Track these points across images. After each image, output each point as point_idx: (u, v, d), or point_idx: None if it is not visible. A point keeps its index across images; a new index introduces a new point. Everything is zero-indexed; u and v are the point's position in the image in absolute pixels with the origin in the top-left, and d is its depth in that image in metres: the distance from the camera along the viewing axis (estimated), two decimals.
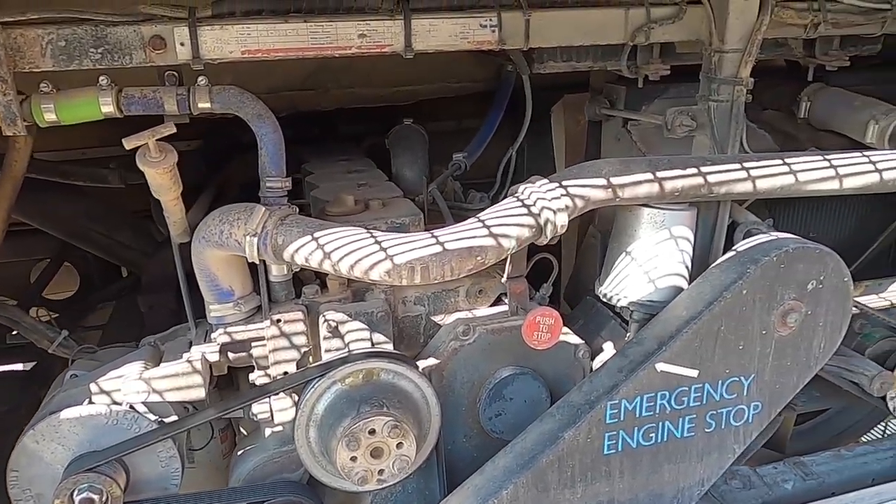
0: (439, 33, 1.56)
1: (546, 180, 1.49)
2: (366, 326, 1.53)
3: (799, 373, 1.60)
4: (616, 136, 2.15)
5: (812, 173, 1.59)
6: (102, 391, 1.48)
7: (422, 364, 1.55)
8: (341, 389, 1.44)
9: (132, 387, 1.47)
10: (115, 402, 1.47)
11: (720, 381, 1.54)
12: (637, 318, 1.65)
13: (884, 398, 1.82)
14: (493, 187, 2.04)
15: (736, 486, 1.80)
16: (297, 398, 1.49)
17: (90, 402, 1.46)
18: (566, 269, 2.39)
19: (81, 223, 2.45)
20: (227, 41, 1.44)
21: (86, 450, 1.45)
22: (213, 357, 1.52)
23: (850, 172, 1.61)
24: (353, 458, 1.39)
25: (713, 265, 1.59)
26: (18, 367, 2.70)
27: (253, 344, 1.55)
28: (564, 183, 1.47)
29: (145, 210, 2.32)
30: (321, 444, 1.44)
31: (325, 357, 1.52)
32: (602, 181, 1.48)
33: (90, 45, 1.37)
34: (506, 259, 1.50)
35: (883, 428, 2.81)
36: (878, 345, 1.86)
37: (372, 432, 1.37)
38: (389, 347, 1.55)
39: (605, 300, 1.72)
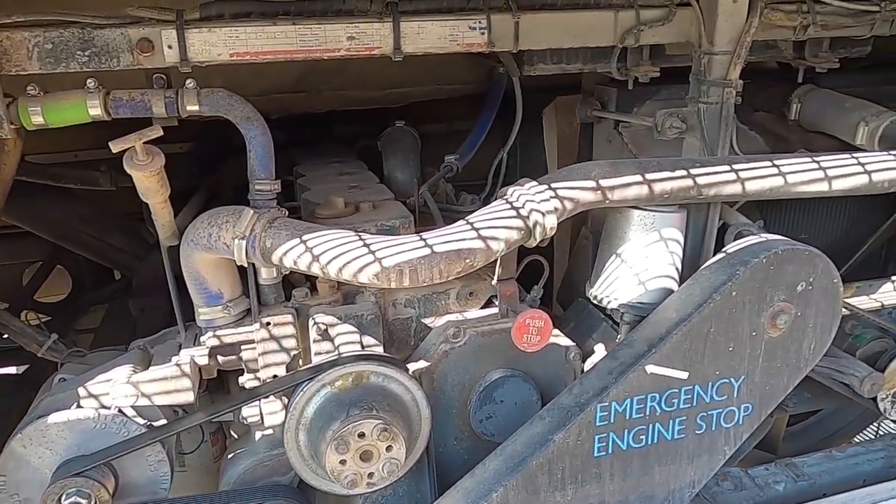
0: (428, 35, 1.56)
1: (535, 182, 1.49)
2: (356, 329, 1.53)
3: (789, 374, 1.60)
4: (607, 137, 2.15)
5: (801, 175, 1.59)
6: (91, 395, 1.47)
7: (412, 367, 1.55)
8: (331, 392, 1.44)
9: (121, 390, 1.46)
10: (103, 406, 1.46)
11: (710, 383, 1.54)
12: (628, 320, 1.65)
13: (874, 399, 1.82)
14: (485, 189, 2.04)
15: (727, 488, 1.80)
16: (286, 401, 1.49)
17: (78, 406, 1.46)
18: (559, 270, 2.40)
19: (72, 226, 2.44)
20: (214, 44, 1.43)
21: (74, 454, 1.44)
22: (203, 360, 1.51)
23: (839, 174, 1.61)
24: (343, 462, 1.38)
25: (703, 267, 1.59)
26: (11, 370, 2.69)
27: (242, 347, 1.55)
28: (553, 185, 1.47)
29: (137, 213, 2.31)
30: (311, 447, 1.44)
31: (315, 360, 1.52)
32: (591, 183, 1.48)
33: (77, 48, 1.36)
34: (496, 261, 1.50)
35: (876, 428, 2.82)
36: (869, 346, 1.86)
37: (361, 435, 1.37)
38: (379, 350, 1.55)
39: (595, 302, 1.72)
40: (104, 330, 2.58)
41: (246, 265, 1.46)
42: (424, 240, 1.38)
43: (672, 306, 1.55)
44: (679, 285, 1.63)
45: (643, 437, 1.54)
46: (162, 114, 1.42)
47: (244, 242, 1.40)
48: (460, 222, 1.43)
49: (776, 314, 1.52)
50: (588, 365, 1.66)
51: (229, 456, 1.67)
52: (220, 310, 1.52)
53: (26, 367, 2.60)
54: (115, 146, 1.27)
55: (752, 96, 2.26)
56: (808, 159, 1.62)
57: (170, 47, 1.41)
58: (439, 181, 2.01)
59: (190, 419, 1.49)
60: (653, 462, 1.56)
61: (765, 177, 1.57)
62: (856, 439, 2.62)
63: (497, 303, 1.62)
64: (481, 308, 1.70)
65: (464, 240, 1.38)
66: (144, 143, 1.30)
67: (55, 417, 1.43)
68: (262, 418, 1.56)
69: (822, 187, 1.61)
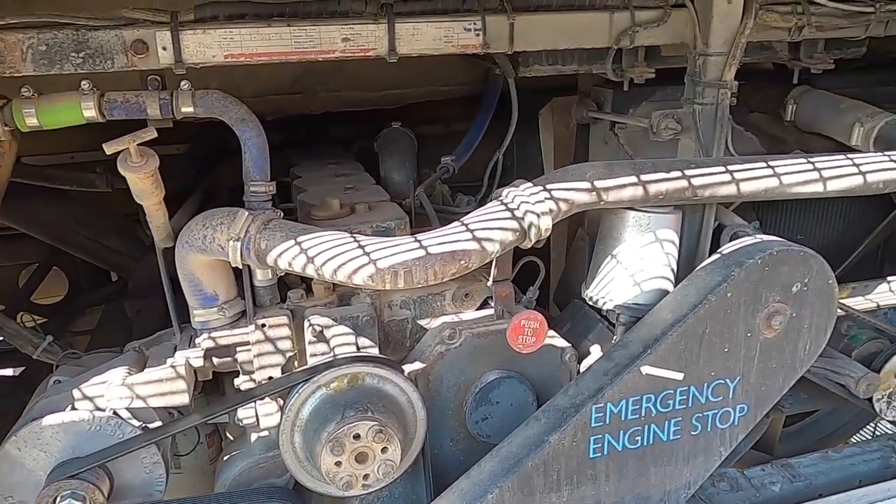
0: (423, 37, 1.56)
1: (530, 184, 1.49)
2: (351, 331, 1.53)
3: (784, 375, 1.60)
4: (603, 139, 2.15)
5: (796, 176, 1.59)
6: (85, 397, 1.47)
7: (408, 368, 1.55)
8: (326, 394, 1.44)
9: (115, 392, 1.46)
10: (98, 408, 1.46)
11: (706, 384, 1.54)
12: (623, 321, 1.65)
13: (870, 400, 1.82)
14: (481, 190, 2.04)
15: (724, 489, 1.80)
16: (282, 403, 1.49)
17: (73, 409, 1.46)
18: (556, 271, 2.40)
19: (68, 228, 2.44)
20: (209, 45, 1.43)
21: (69, 456, 1.44)
22: (198, 362, 1.51)
23: (834, 175, 1.61)
24: (338, 463, 1.38)
25: (698, 268, 1.59)
26: (8, 372, 2.68)
27: (238, 349, 1.55)
28: (548, 186, 1.47)
29: (133, 214, 2.31)
30: (306, 449, 1.44)
31: (311, 362, 1.52)
32: (586, 184, 1.48)
33: (71, 50, 1.36)
34: (491, 262, 1.50)
35: (873, 428, 2.82)
36: (865, 346, 1.86)
37: (356, 437, 1.37)
38: (375, 352, 1.55)
39: (591, 303, 1.72)
40: (101, 332, 2.58)
41: (241, 267, 1.46)
42: (419, 241, 1.38)
43: (667, 307, 1.55)
44: (675, 286, 1.63)
45: (639, 438, 1.54)
46: (156, 115, 1.43)
47: (239, 244, 1.40)
48: (455, 224, 1.43)
49: (771, 315, 1.52)
50: (584, 366, 1.67)
51: (225, 458, 1.66)
52: (216, 311, 1.52)
53: (23, 369, 2.59)
54: (109, 148, 1.27)
55: (747, 97, 2.25)
56: (803, 160, 1.63)
57: (164, 49, 1.41)
58: (436, 182, 2.01)
59: (185, 421, 1.49)
60: (648, 463, 1.56)
61: (759, 178, 1.57)
62: (854, 439, 2.63)
63: (493, 304, 1.62)
64: (477, 309, 1.70)
65: (458, 241, 1.38)
66: (138, 144, 1.30)
67: (50, 420, 1.43)
68: (257, 420, 1.56)
69: (817, 188, 1.61)
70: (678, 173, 1.53)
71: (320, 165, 2.15)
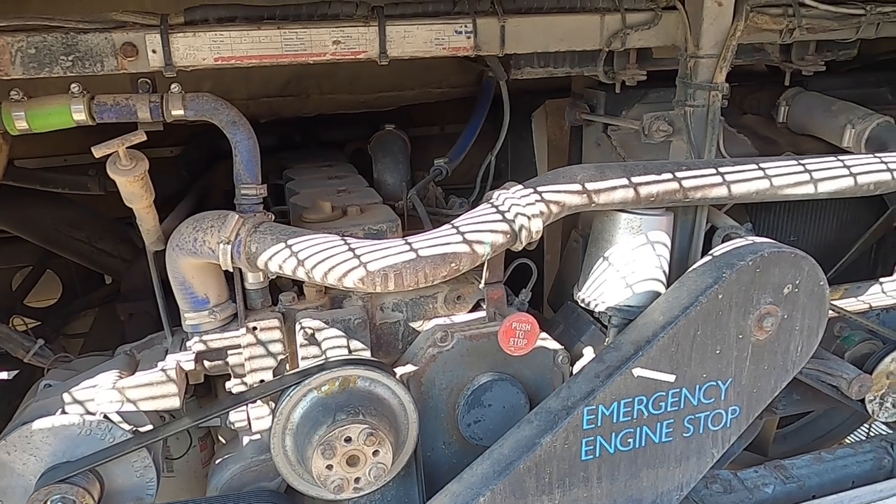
0: (414, 40, 1.56)
1: (520, 186, 1.49)
2: (343, 333, 1.52)
3: (776, 377, 1.60)
4: (596, 141, 2.16)
5: (787, 178, 1.59)
6: (76, 401, 1.46)
7: (400, 371, 1.55)
8: (317, 397, 1.43)
9: (106, 396, 1.46)
10: (88, 412, 1.46)
11: (697, 386, 1.54)
12: (615, 323, 1.65)
13: (862, 401, 1.82)
14: (472, 193, 2.04)
15: (717, 490, 1.80)
16: (273, 406, 1.48)
17: (63, 412, 1.45)
18: (550, 273, 2.40)
19: (62, 230, 2.43)
20: (199, 48, 1.43)
21: (59, 460, 1.43)
22: (189, 365, 1.51)
23: (825, 177, 1.61)
24: (329, 467, 1.38)
25: (689, 270, 1.59)
26: (2, 375, 2.67)
27: (229, 352, 1.54)
28: (539, 189, 1.47)
29: (127, 217, 2.30)
30: (297, 452, 1.43)
31: (302, 364, 1.51)
32: (577, 186, 1.48)
33: (60, 53, 1.36)
34: (483, 265, 1.50)
35: (867, 429, 2.83)
36: (857, 348, 1.87)
37: (348, 440, 1.37)
38: (367, 354, 1.54)
39: (583, 306, 1.72)
40: (94, 335, 2.57)
41: (231, 270, 1.45)
42: (410, 244, 1.38)
43: (659, 309, 1.55)
44: (667, 288, 1.63)
45: (631, 440, 1.53)
46: (147, 118, 1.42)
47: (229, 247, 1.39)
48: (446, 226, 1.43)
49: (763, 317, 1.52)
50: (577, 368, 1.67)
51: (217, 461, 1.66)
52: (207, 315, 1.52)
53: (17, 372, 2.59)
54: (98, 151, 1.26)
55: (740, 99, 2.27)
56: (794, 162, 1.63)
57: (154, 52, 1.41)
58: (429, 184, 2.01)
59: (176, 425, 1.48)
60: (641, 465, 1.56)
61: (750, 180, 1.57)
62: (852, 439, 2.63)
63: (485, 306, 1.62)
64: (469, 312, 1.70)
65: (449, 244, 1.38)
66: (127, 147, 1.30)
67: (39, 423, 1.42)
68: (249, 423, 1.56)
69: (808, 190, 1.62)
70: (669, 175, 1.53)
71: (313, 168, 2.14)
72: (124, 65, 1.40)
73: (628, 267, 1.62)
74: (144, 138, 1.32)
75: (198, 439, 1.88)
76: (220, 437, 1.78)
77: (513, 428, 1.52)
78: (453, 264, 1.37)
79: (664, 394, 1.52)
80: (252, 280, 1.53)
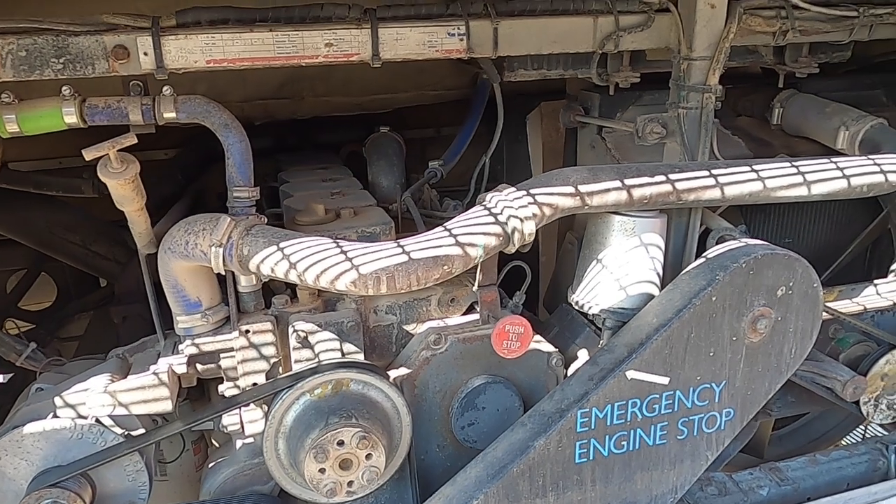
0: (407, 42, 1.56)
1: (513, 188, 1.48)
2: (336, 336, 1.52)
3: (770, 379, 1.60)
4: (591, 143, 2.16)
5: (780, 180, 1.59)
6: (67, 405, 1.46)
7: (393, 374, 1.54)
8: (310, 400, 1.43)
9: (97, 400, 1.45)
10: (80, 416, 1.45)
11: (691, 388, 1.54)
12: (610, 325, 1.65)
13: (857, 403, 1.82)
14: (467, 195, 2.04)
15: (711, 493, 1.80)
16: (266, 409, 1.48)
17: (55, 416, 1.45)
18: (545, 275, 2.39)
19: (57, 233, 2.43)
20: (191, 51, 1.43)
21: (50, 464, 1.43)
22: (181, 369, 1.50)
23: (818, 179, 1.61)
24: (322, 470, 1.37)
25: (683, 272, 1.59)
26: None
27: (221, 355, 1.54)
28: (532, 191, 1.46)
29: (121, 220, 2.30)
30: (290, 455, 1.43)
31: (295, 368, 1.51)
32: (570, 189, 1.48)
33: (51, 55, 1.36)
34: (477, 267, 1.49)
35: (863, 430, 2.83)
36: (852, 350, 1.86)
37: (340, 443, 1.36)
38: (360, 357, 1.54)
39: (577, 308, 1.72)
40: (88, 338, 2.56)
41: (223, 273, 1.45)
42: (402, 246, 1.38)
43: (652, 311, 1.55)
44: (661, 290, 1.62)
45: (624, 442, 1.53)
46: (139, 121, 1.42)
47: (221, 250, 1.39)
48: (438, 229, 1.43)
49: (756, 319, 1.52)
50: (571, 370, 1.66)
51: (210, 465, 1.65)
52: (199, 318, 1.51)
53: (11, 375, 2.58)
54: (88, 154, 1.26)
55: (734, 101, 2.27)
56: (787, 164, 1.63)
57: (145, 54, 1.40)
58: (424, 187, 2.01)
59: (168, 428, 1.48)
60: (635, 468, 1.56)
61: (743, 182, 1.57)
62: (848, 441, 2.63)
63: (478, 309, 1.62)
64: (463, 314, 1.69)
65: (441, 246, 1.37)
66: (118, 150, 1.30)
67: (31, 427, 1.42)
68: (242, 427, 1.55)
69: (801, 192, 1.62)
70: (662, 177, 1.53)
71: (308, 170, 2.14)
72: (115, 67, 1.39)
73: (622, 269, 1.62)
74: (135, 141, 1.31)
75: (191, 443, 1.88)
76: (214, 441, 1.77)
77: (506, 431, 1.52)
78: (446, 267, 1.36)
79: (658, 396, 1.52)
80: (245, 283, 1.53)
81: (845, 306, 1.88)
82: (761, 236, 1.78)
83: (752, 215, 2.16)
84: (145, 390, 1.45)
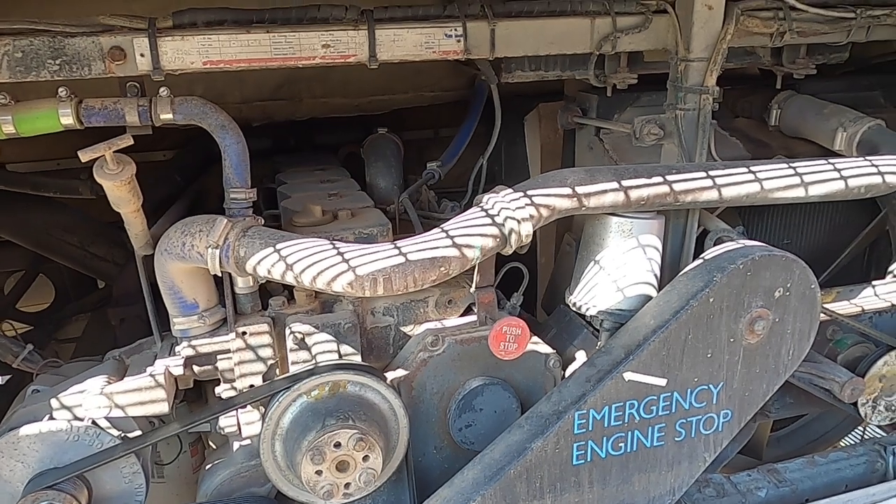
0: (404, 43, 1.56)
1: (510, 190, 1.48)
2: (333, 338, 1.52)
3: (768, 380, 1.60)
4: (589, 144, 2.16)
5: (777, 181, 1.59)
6: (63, 406, 1.45)
7: (390, 375, 1.54)
8: (307, 402, 1.43)
9: (94, 402, 1.45)
10: (76, 418, 1.45)
11: (689, 390, 1.54)
12: (607, 326, 1.65)
13: (855, 404, 1.82)
14: (465, 196, 2.04)
15: (710, 495, 1.79)
16: (263, 411, 1.48)
17: (51, 418, 1.44)
18: (544, 277, 2.39)
19: (54, 235, 2.42)
20: (187, 52, 1.43)
21: (46, 466, 1.43)
22: (178, 370, 1.50)
23: (815, 180, 1.61)
24: (319, 472, 1.37)
25: (680, 273, 1.59)
26: None
27: (218, 357, 1.54)
28: (529, 192, 1.46)
29: (119, 221, 2.30)
30: (287, 457, 1.42)
31: (292, 369, 1.51)
32: (567, 190, 1.48)
33: (48, 57, 1.35)
34: (474, 269, 1.49)
35: (862, 432, 2.82)
36: (850, 351, 1.86)
37: (337, 445, 1.36)
38: (357, 359, 1.54)
39: (575, 309, 1.72)
40: (86, 339, 2.56)
41: (220, 274, 1.45)
42: (398, 248, 1.38)
43: (650, 313, 1.54)
44: (658, 291, 1.62)
45: (622, 444, 1.53)
46: (135, 122, 1.41)
47: (218, 251, 1.39)
48: (435, 230, 1.43)
49: (754, 320, 1.52)
50: (569, 372, 1.66)
51: (207, 467, 1.65)
52: (196, 319, 1.51)
53: (9, 377, 2.57)
54: (84, 155, 1.26)
55: (732, 102, 2.27)
56: (784, 165, 1.63)
57: (142, 55, 1.40)
58: (422, 188, 2.01)
59: (164, 430, 1.47)
60: (632, 469, 1.56)
61: (740, 183, 1.57)
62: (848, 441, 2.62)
63: (476, 310, 1.62)
64: (460, 316, 1.69)
65: (438, 248, 1.37)
66: (115, 151, 1.29)
67: (27, 429, 1.41)
68: (239, 428, 1.55)
69: (798, 193, 1.61)
70: (659, 179, 1.53)
71: (306, 171, 2.14)
72: (112, 69, 1.39)
73: (619, 270, 1.62)
74: (131, 142, 1.31)
75: (188, 445, 1.87)
76: (211, 443, 1.77)
77: (504, 433, 1.51)
78: (443, 268, 1.36)
79: (655, 398, 1.52)
80: (242, 284, 1.53)
81: (843, 307, 1.88)
82: (759, 238, 1.78)
83: (750, 217, 2.15)
84: (142, 392, 1.45)
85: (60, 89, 1.36)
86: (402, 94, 2.33)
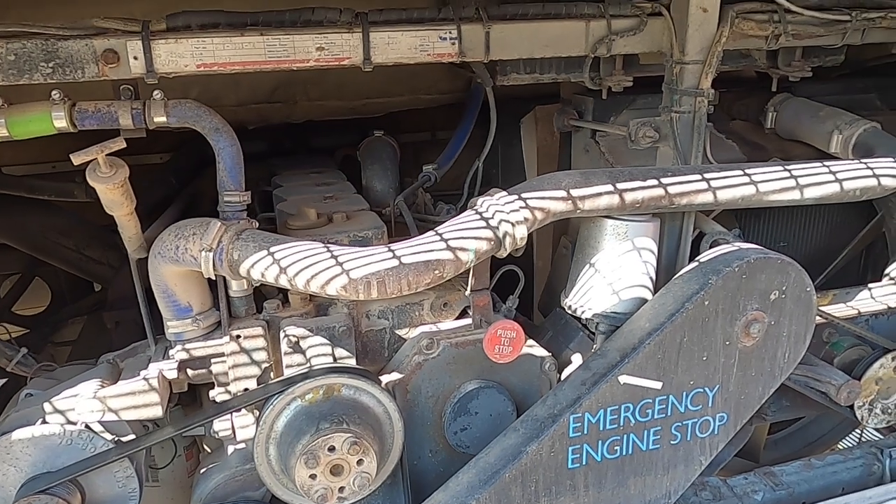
0: (398, 46, 1.56)
1: (505, 192, 1.48)
2: (327, 341, 1.51)
3: (764, 383, 1.59)
4: (585, 147, 2.16)
5: (772, 184, 1.59)
6: (56, 410, 1.45)
7: (385, 378, 1.54)
8: (301, 406, 1.42)
9: (87, 405, 1.44)
10: (69, 422, 1.44)
11: (684, 393, 1.53)
12: (603, 329, 1.64)
13: (851, 407, 1.82)
14: (461, 199, 2.04)
15: (706, 498, 1.78)
16: (258, 415, 1.47)
17: (44, 422, 1.43)
18: (540, 279, 2.39)
19: (50, 238, 2.42)
20: (181, 55, 1.42)
21: (39, 471, 1.42)
22: (171, 374, 1.49)
23: (811, 183, 1.61)
24: (313, 476, 1.36)
25: (676, 276, 1.58)
26: None
27: (212, 360, 1.53)
28: (524, 195, 1.46)
29: (115, 224, 2.29)
30: (281, 461, 1.42)
31: (287, 373, 1.50)
32: (562, 193, 1.48)
33: (41, 59, 1.35)
34: (469, 271, 1.49)
35: (859, 434, 2.82)
36: (846, 353, 1.86)
37: (331, 449, 1.35)
38: (352, 362, 1.53)
39: (570, 312, 1.71)
40: (82, 343, 2.56)
41: (214, 278, 1.44)
42: (392, 251, 1.37)
43: (645, 316, 1.54)
44: (654, 294, 1.62)
45: (617, 447, 1.52)
46: (129, 125, 1.41)
47: (211, 255, 1.38)
48: (429, 233, 1.42)
49: (749, 323, 1.52)
50: (564, 375, 1.65)
51: (202, 471, 1.64)
52: (190, 323, 1.51)
53: (5, 380, 2.57)
54: (77, 159, 1.25)
55: (728, 105, 2.27)
56: (780, 168, 1.63)
57: (135, 58, 1.40)
58: (418, 191, 2.01)
59: (158, 434, 1.47)
60: (628, 473, 1.55)
61: (736, 186, 1.57)
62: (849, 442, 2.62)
63: (471, 313, 1.61)
64: (456, 319, 1.69)
65: (432, 251, 1.37)
66: (108, 154, 1.29)
67: (19, 433, 1.41)
68: (233, 432, 1.54)
69: (794, 196, 1.61)
70: (654, 181, 1.53)
71: (302, 174, 2.14)
72: (105, 71, 1.39)
73: (615, 273, 1.61)
74: (124, 145, 1.31)
75: (183, 448, 1.87)
76: (206, 447, 1.76)
77: (499, 436, 1.51)
78: (437, 271, 1.36)
79: (651, 401, 1.52)
80: (236, 288, 1.52)
81: (840, 310, 1.88)
82: (756, 240, 1.78)
83: (746, 219, 2.15)
84: (135, 396, 1.45)
85: (54, 92, 1.36)
86: (399, 96, 2.33)
